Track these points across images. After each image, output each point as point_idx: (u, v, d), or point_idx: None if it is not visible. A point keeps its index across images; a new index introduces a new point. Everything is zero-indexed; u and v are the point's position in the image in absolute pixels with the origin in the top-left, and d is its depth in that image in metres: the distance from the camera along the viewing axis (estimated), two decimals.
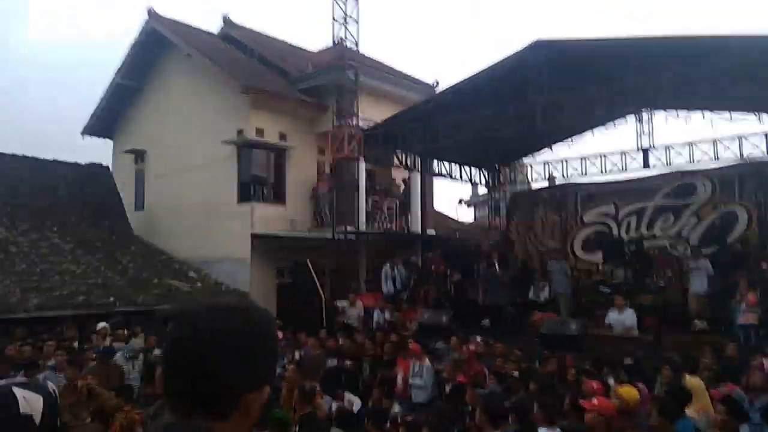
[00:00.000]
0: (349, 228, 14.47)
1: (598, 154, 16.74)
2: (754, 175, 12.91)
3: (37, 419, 1.59)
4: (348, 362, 9.80)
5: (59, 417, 1.87)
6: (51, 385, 2.08)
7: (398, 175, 17.72)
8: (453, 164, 17.47)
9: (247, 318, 1.14)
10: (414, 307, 13.14)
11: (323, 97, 15.83)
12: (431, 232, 18.19)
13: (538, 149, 17.47)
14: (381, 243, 15.92)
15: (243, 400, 1.10)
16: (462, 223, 24.56)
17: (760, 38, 9.44)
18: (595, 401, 4.86)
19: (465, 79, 12.91)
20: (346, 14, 14.14)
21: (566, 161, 17.36)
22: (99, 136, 19.33)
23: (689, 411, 4.96)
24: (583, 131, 16.07)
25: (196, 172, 15.04)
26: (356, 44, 14.48)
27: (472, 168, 18.23)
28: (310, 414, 6.05)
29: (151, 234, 16.53)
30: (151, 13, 17.00)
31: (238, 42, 18.56)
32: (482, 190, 21.94)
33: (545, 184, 17.52)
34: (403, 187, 17.68)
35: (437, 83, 17.64)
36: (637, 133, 15.48)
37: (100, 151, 19.64)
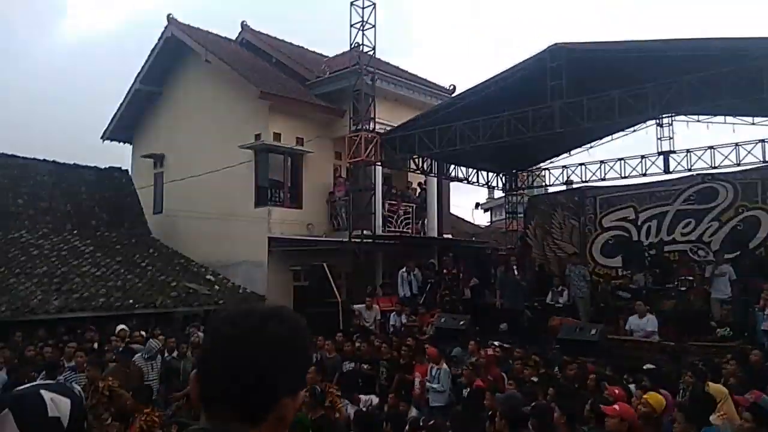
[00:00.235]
0: (365, 232, 14.47)
1: (618, 158, 16.56)
2: None
3: (65, 422, 1.59)
4: (365, 366, 9.80)
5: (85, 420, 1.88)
6: (77, 387, 2.08)
7: (414, 179, 17.70)
8: (469, 168, 17.41)
9: (284, 323, 1.15)
10: (431, 310, 13.09)
11: (340, 101, 15.88)
12: (447, 235, 18.13)
13: (557, 154, 17.33)
14: (397, 247, 15.90)
15: (279, 404, 1.11)
16: (478, 227, 24.46)
17: None
18: (617, 407, 4.80)
19: (482, 83, 12.88)
20: (363, 19, 14.18)
21: (584, 165, 17.19)
22: (119, 140, 19.60)
23: (713, 417, 4.87)
24: (603, 136, 15.92)
25: (213, 176, 15.15)
26: (373, 49, 14.51)
27: (489, 172, 18.15)
28: (322, 417, 6.04)
29: (169, 237, 16.68)
30: (171, 20, 17.22)
31: (256, 47, 18.72)
32: (498, 194, 21.83)
33: (563, 188, 17.37)
34: (419, 191, 17.67)
35: (454, 88, 17.61)
36: (657, 137, 15.28)
37: (120, 156, 19.94)
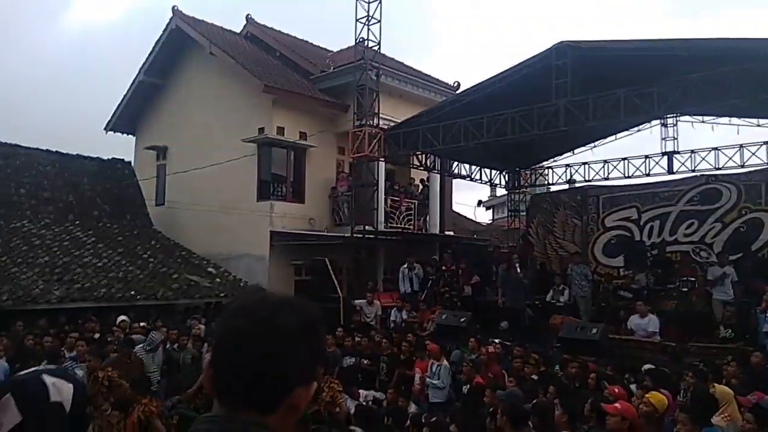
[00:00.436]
0: (367, 227, 14.46)
1: (621, 158, 16.52)
2: None
3: (67, 407, 1.58)
4: (365, 361, 9.81)
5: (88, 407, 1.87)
6: (79, 373, 2.06)
7: (417, 175, 17.68)
8: (472, 166, 17.38)
9: (298, 313, 1.14)
10: (432, 307, 13.09)
11: (344, 96, 15.86)
12: (449, 232, 18.11)
13: (560, 153, 17.29)
14: (399, 243, 15.90)
15: (292, 394, 1.10)
16: (480, 225, 24.43)
17: None
18: (618, 405, 4.79)
19: (487, 80, 12.83)
20: (368, 14, 14.14)
21: (588, 164, 17.15)
22: (122, 132, 19.60)
23: (717, 419, 4.86)
24: (607, 135, 15.87)
25: (216, 169, 15.15)
26: (378, 44, 14.48)
27: (492, 170, 18.11)
28: (316, 412, 6.04)
29: (171, 229, 16.69)
30: (175, 12, 17.18)
31: (260, 41, 18.69)
32: (501, 192, 21.80)
33: (566, 187, 17.34)
34: (421, 187, 17.65)
35: (458, 84, 17.57)
36: (661, 137, 15.24)
37: (122, 147, 19.94)
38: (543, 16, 78.22)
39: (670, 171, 15.28)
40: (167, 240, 16.13)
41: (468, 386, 8.00)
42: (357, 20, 14.21)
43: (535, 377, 7.57)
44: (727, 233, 13.03)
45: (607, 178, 16.63)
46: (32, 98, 46.02)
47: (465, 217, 23.44)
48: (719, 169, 14.41)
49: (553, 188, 18.09)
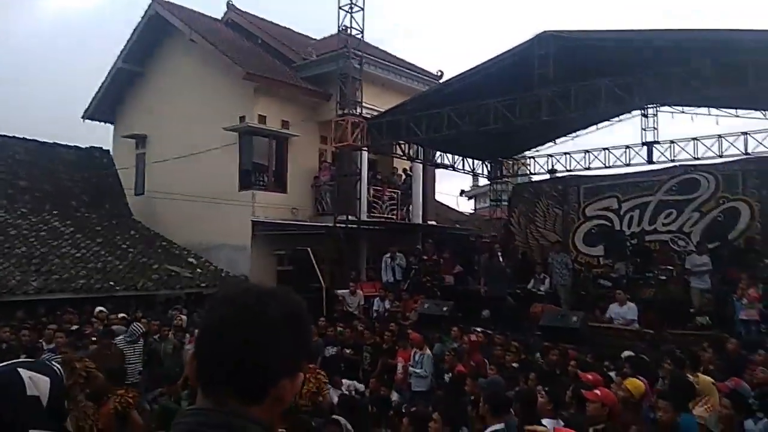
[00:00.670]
0: (350, 217, 14.44)
1: (602, 148, 16.67)
2: (758, 172, 12.87)
3: (44, 401, 1.55)
4: (347, 350, 9.83)
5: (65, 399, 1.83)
6: (57, 366, 2.03)
7: (400, 165, 17.66)
8: (455, 155, 17.42)
9: (285, 304, 1.13)
10: (414, 296, 13.13)
11: (327, 85, 15.74)
12: (432, 222, 18.16)
13: (542, 143, 17.38)
14: (382, 233, 15.90)
15: (278, 385, 1.10)
16: (463, 214, 24.53)
17: (763, 35, 9.37)
18: (598, 392, 4.85)
19: (469, 70, 12.82)
20: (351, 2, 14.01)
21: (569, 155, 17.28)
22: (100, 120, 19.26)
23: (701, 409, 4.94)
24: (588, 126, 15.99)
25: (197, 158, 14.97)
26: (361, 33, 14.37)
27: (474, 160, 18.16)
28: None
29: (151, 219, 16.50)
30: None
31: (242, 28, 18.45)
32: (483, 181, 21.90)
33: (547, 176, 17.47)
34: (404, 177, 17.64)
35: (441, 74, 17.53)
36: (642, 127, 15.41)
37: (100, 135, 19.62)
38: (529, 5, 78.38)
39: (650, 161, 15.47)
40: (147, 230, 15.94)
41: (450, 375, 8.05)
42: (340, 8, 14.09)
43: (515, 365, 7.64)
44: (705, 222, 13.25)
45: (588, 168, 16.79)
46: (6, 87, 44.98)
47: (448, 206, 23.51)
48: (698, 159, 14.61)
49: (535, 178, 18.22)
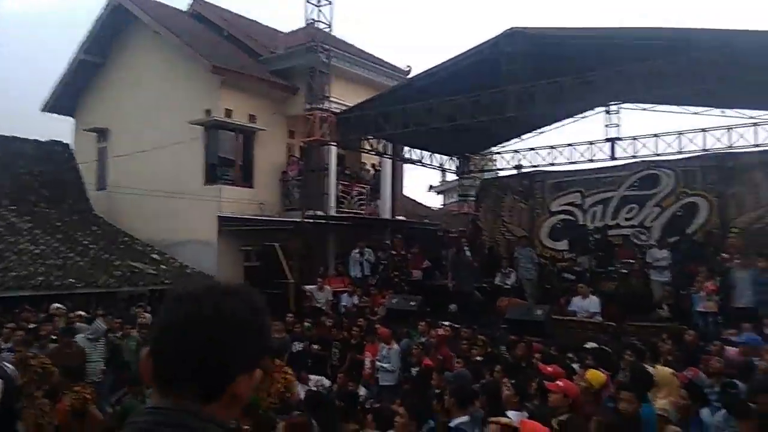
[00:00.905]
0: (318, 212, 14.36)
1: (566, 144, 16.92)
2: (716, 168, 13.25)
3: None
4: (314, 346, 9.80)
5: (19, 400, 1.78)
6: (9, 366, 1.96)
7: (369, 160, 17.64)
8: (423, 151, 17.49)
9: (243, 301, 1.13)
10: (382, 291, 13.17)
11: (294, 79, 15.60)
12: (400, 217, 18.20)
13: (508, 139, 17.57)
14: (350, 228, 15.86)
15: (236, 382, 1.09)
16: (431, 210, 24.66)
17: (725, 34, 9.66)
18: (560, 383, 4.94)
19: (438, 66, 12.87)
20: None
21: (535, 150, 17.51)
22: (59, 113, 18.70)
23: (663, 401, 5.06)
24: (554, 122, 16.22)
25: (161, 152, 14.67)
26: (329, 26, 14.28)
27: (442, 155, 18.27)
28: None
29: (113, 215, 16.12)
30: None
31: (208, 20, 18.12)
32: (451, 177, 22.04)
33: (514, 172, 17.67)
34: (373, 172, 17.63)
35: (410, 69, 17.55)
36: (605, 124, 15.70)
37: (60, 129, 19.05)
38: (500, 3, 79.04)
39: (613, 157, 15.76)
40: (109, 226, 15.59)
41: (417, 369, 8.10)
42: (307, 1, 13.97)
43: (479, 358, 7.74)
44: (666, 217, 13.58)
45: (553, 164, 17.01)
46: None
47: (416, 202, 23.60)
48: (659, 155, 14.96)
49: (502, 173, 18.41)
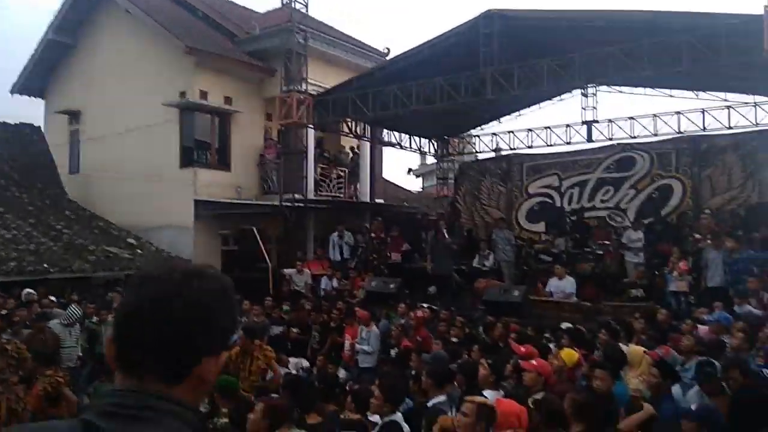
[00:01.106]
0: (297, 196, 14.28)
1: (544, 126, 17.03)
2: (690, 150, 13.46)
3: None
4: (294, 329, 9.81)
5: None
6: None
7: (347, 143, 17.54)
8: (402, 134, 17.44)
9: (208, 282, 1.11)
10: (362, 274, 13.19)
11: (271, 60, 15.38)
12: (380, 200, 18.19)
13: (487, 121, 17.61)
14: (329, 211, 15.81)
15: (200, 364, 1.08)
16: (410, 192, 24.68)
17: (699, 17, 9.74)
18: (534, 362, 5.02)
19: (416, 48, 12.81)
20: None
21: (513, 133, 17.59)
22: (30, 95, 18.21)
23: (635, 381, 5.16)
24: (532, 104, 16.29)
25: (135, 134, 14.40)
26: (306, 6, 14.07)
27: (421, 138, 18.24)
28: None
29: (87, 199, 15.82)
30: None
31: (182, 0, 17.71)
32: (430, 159, 22.05)
33: (492, 155, 17.74)
34: (352, 155, 17.54)
35: (388, 51, 17.42)
36: (582, 106, 15.81)
37: (31, 111, 18.60)
38: None
39: (590, 140, 15.91)
40: (83, 210, 15.30)
41: (396, 350, 8.16)
42: None
43: (455, 339, 7.82)
44: (641, 199, 13.79)
45: (530, 147, 17.12)
46: None
47: (396, 185, 23.59)
48: (634, 138, 15.14)
49: (481, 156, 18.47)
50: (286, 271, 13.00)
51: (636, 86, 13.79)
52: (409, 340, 8.19)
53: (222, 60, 14.96)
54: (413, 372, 6.12)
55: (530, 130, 17.31)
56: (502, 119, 17.28)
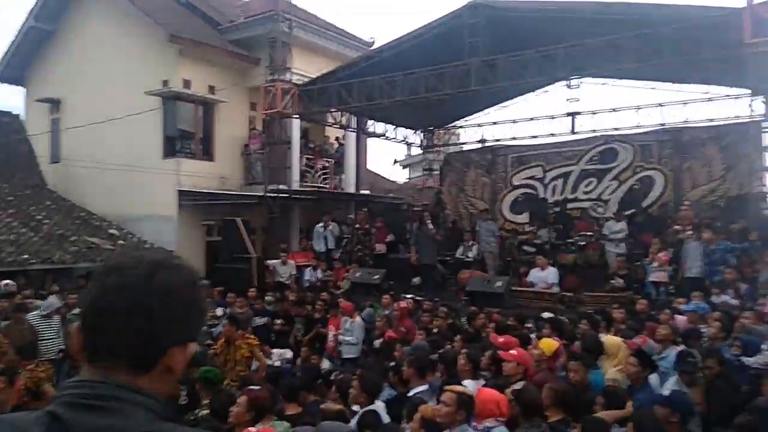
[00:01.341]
0: (281, 186, 14.22)
1: (528, 118, 17.08)
2: (672, 142, 13.60)
3: None
4: (278, 321, 9.80)
5: None
6: None
7: (333, 133, 17.47)
8: (388, 125, 17.40)
9: (175, 272, 1.11)
10: (346, 265, 13.20)
11: (255, 49, 15.25)
12: (365, 191, 18.18)
13: (472, 112, 17.62)
14: (314, 202, 15.77)
15: (167, 354, 1.08)
16: (396, 183, 24.68)
17: (682, 9, 9.82)
18: (514, 352, 5.08)
19: (401, 38, 12.75)
20: None
21: (497, 124, 17.62)
22: (10, 83, 17.89)
23: (613, 371, 5.24)
24: (516, 95, 16.31)
25: (117, 123, 14.19)
26: None
27: (407, 129, 18.22)
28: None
29: (68, 189, 15.62)
30: None
31: None
32: (416, 150, 22.05)
33: (477, 146, 17.77)
34: (337, 145, 17.49)
35: (373, 40, 17.35)
36: (566, 98, 15.86)
37: (10, 99, 18.28)
38: None
39: (573, 131, 15.99)
40: (63, 200, 15.11)
41: (380, 341, 8.19)
42: None
43: (436, 330, 7.87)
44: (623, 191, 13.92)
45: (515, 138, 17.17)
46: None
47: (381, 176, 23.57)
48: (617, 129, 15.24)
49: (466, 147, 18.49)
50: (270, 262, 12.96)
51: (620, 78, 13.86)
52: (394, 331, 8.23)
53: (206, 49, 14.80)
54: (395, 363, 6.15)
55: (514, 121, 17.35)
56: (487, 110, 17.29)
